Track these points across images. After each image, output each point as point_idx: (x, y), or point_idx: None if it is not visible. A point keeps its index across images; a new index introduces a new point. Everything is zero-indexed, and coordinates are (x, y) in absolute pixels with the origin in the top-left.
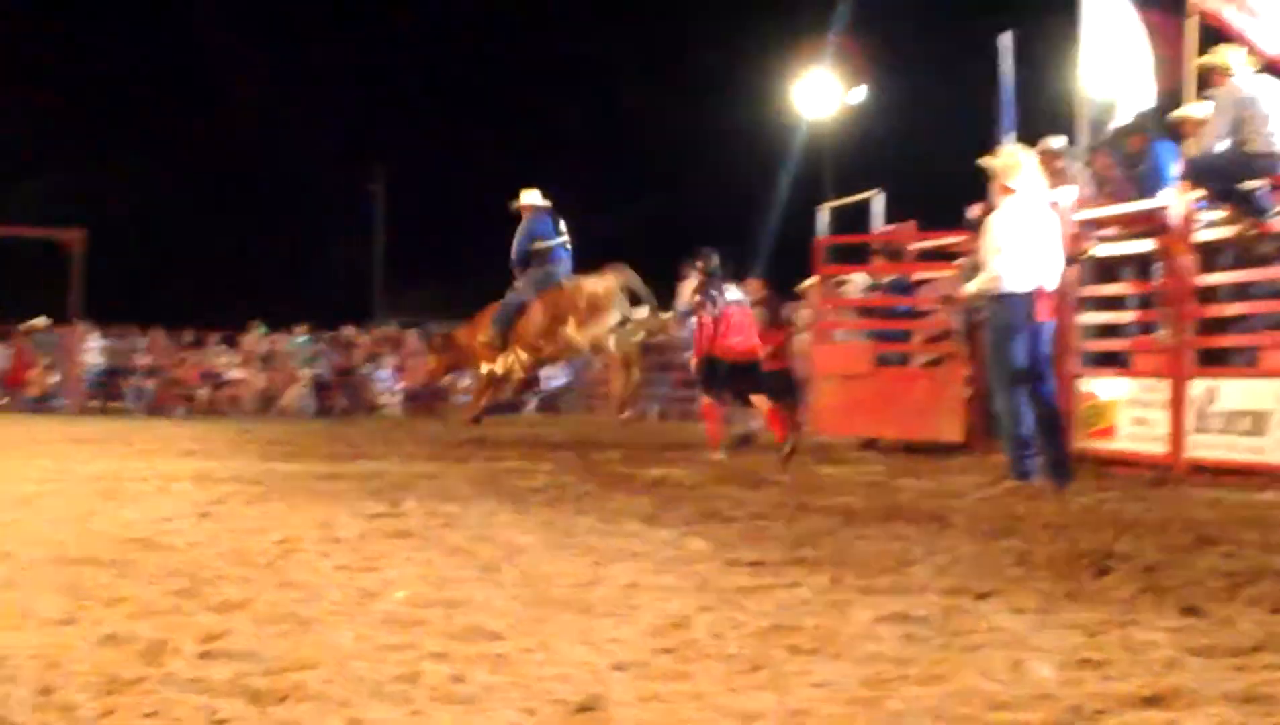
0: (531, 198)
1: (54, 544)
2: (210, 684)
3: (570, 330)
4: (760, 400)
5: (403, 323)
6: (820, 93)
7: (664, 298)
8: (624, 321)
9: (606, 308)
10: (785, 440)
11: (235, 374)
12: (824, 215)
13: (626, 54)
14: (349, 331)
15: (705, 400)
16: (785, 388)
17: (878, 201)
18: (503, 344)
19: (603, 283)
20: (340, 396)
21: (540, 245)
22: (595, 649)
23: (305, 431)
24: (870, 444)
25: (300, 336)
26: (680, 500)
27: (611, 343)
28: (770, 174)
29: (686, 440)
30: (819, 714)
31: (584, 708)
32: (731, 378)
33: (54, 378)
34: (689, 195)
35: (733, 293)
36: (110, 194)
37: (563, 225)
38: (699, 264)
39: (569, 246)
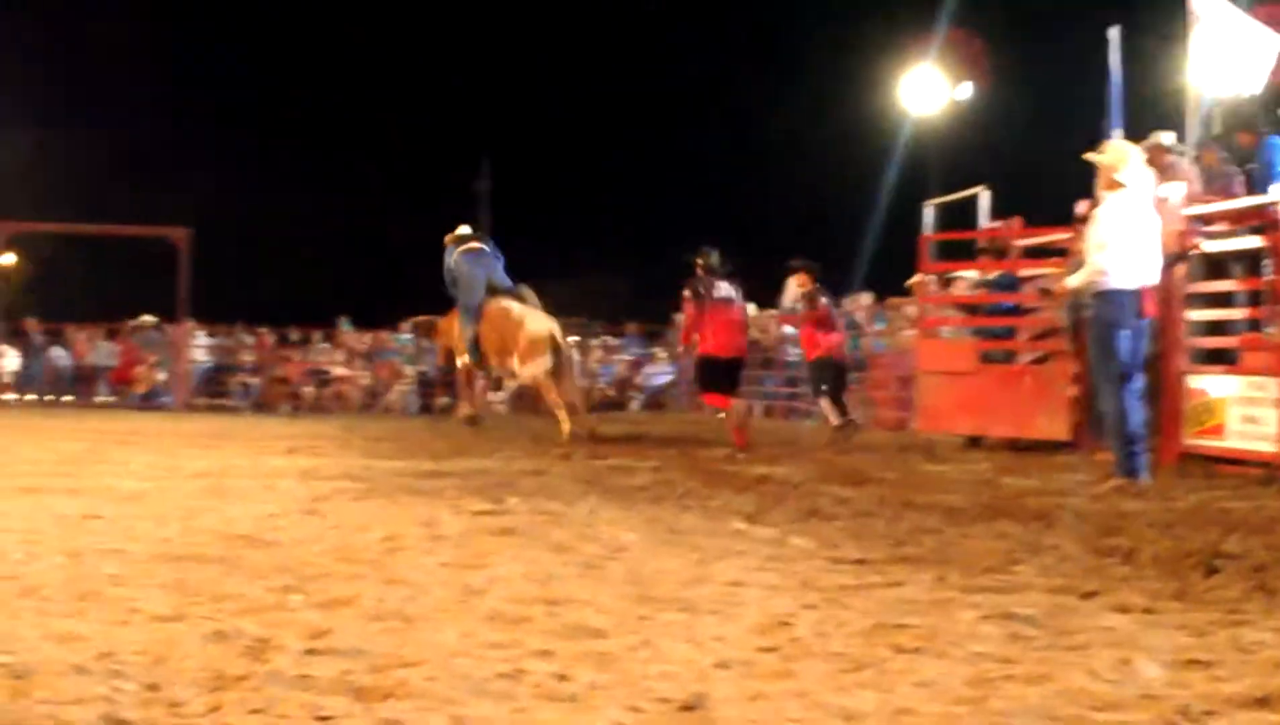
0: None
1: (161, 541)
2: (315, 681)
3: (514, 362)
4: (726, 398)
5: None
6: (927, 89)
7: (769, 293)
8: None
9: (542, 352)
10: (743, 446)
11: (340, 372)
12: (929, 212)
13: (735, 51)
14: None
15: (704, 394)
16: (836, 379)
17: (984, 198)
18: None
19: (543, 327)
20: (444, 394)
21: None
22: (699, 647)
23: (409, 429)
24: (975, 442)
25: (404, 334)
26: (784, 498)
27: (550, 382)
28: (876, 171)
29: (790, 438)
30: (923, 713)
31: (688, 706)
32: (723, 373)
33: (161, 375)
34: (794, 191)
35: (724, 290)
36: (217, 192)
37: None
38: (698, 260)
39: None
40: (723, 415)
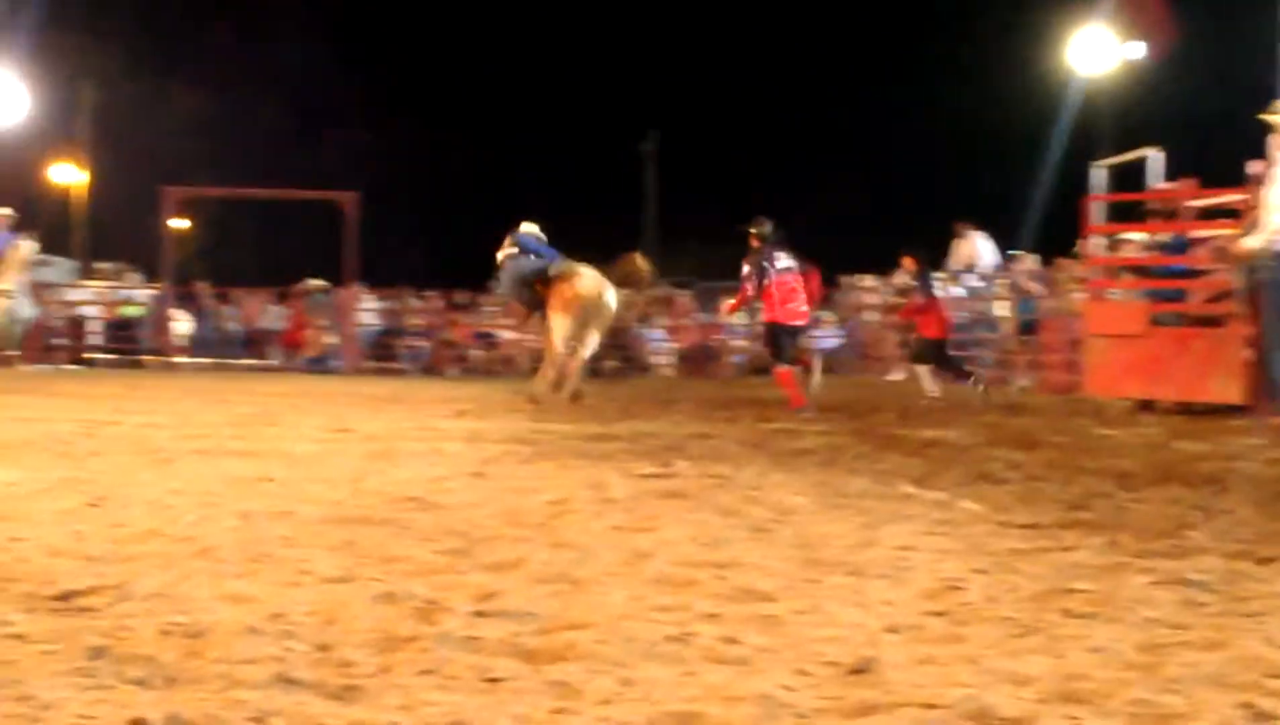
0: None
1: (330, 503)
2: (484, 643)
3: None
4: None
5: (675, 283)
6: (1097, 48)
7: (935, 257)
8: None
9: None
10: (801, 407)
11: (508, 335)
12: (1099, 173)
13: (901, 12)
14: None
15: (777, 368)
16: (940, 356)
17: (1155, 159)
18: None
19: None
20: (612, 357)
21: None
22: (868, 611)
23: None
24: (1146, 406)
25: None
26: (953, 462)
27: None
28: (1045, 132)
29: (959, 401)
30: (1094, 678)
31: (856, 670)
32: (790, 338)
33: (330, 339)
34: (961, 154)
35: (784, 259)
36: (386, 156)
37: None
38: (753, 230)
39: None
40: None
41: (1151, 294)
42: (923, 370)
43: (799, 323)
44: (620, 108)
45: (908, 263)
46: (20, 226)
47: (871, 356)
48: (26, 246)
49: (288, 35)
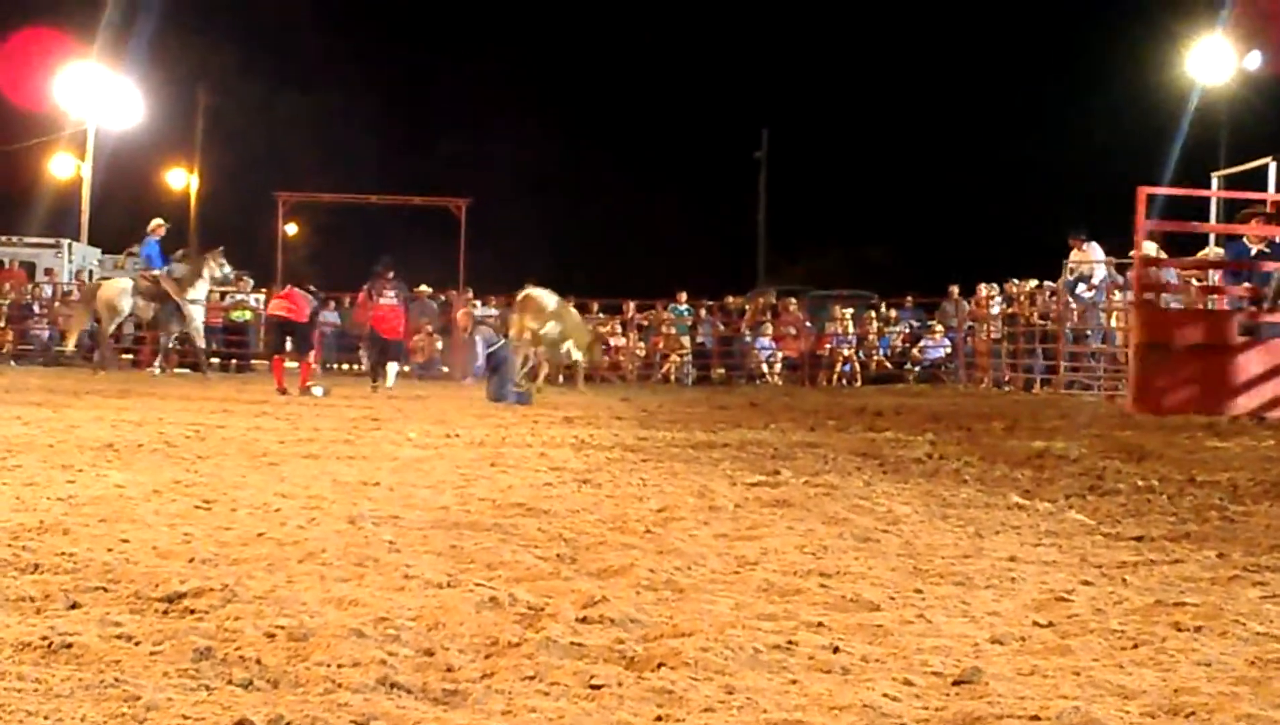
0: None
1: (437, 508)
2: (587, 649)
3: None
4: None
5: (782, 292)
6: (1215, 58)
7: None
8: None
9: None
10: None
11: (616, 342)
12: (1217, 182)
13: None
14: (731, 300)
15: None
16: None
17: (1274, 168)
18: None
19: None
20: (720, 365)
21: None
22: (974, 621)
23: (685, 400)
24: (1260, 419)
25: (680, 305)
26: (1061, 473)
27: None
28: (1163, 141)
29: (1067, 411)
30: (1202, 693)
31: (962, 680)
32: None
33: (440, 344)
34: (1079, 162)
35: None
36: (498, 164)
37: None
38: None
39: None
40: None
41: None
42: None
43: None
44: (733, 113)
45: None
46: (170, 238)
47: (979, 366)
48: (218, 264)
49: (401, 40)
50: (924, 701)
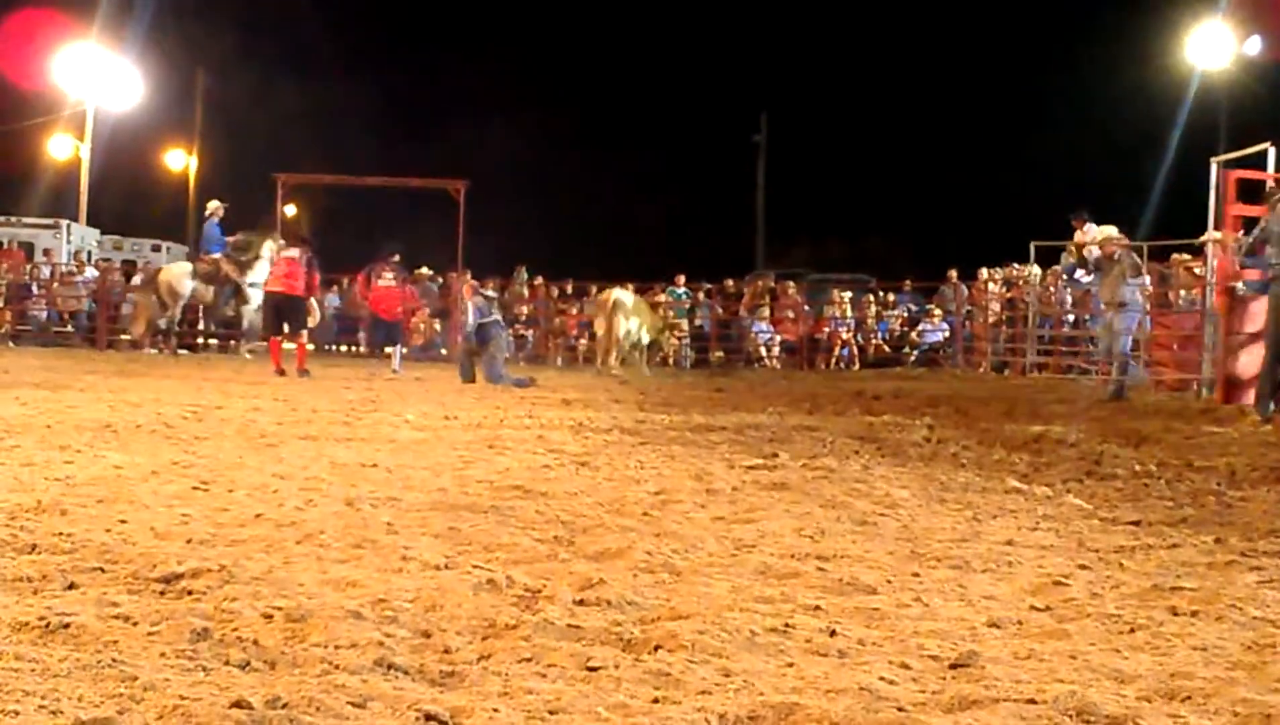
0: None
1: (434, 490)
2: (585, 631)
3: None
4: None
5: (780, 275)
6: (1215, 44)
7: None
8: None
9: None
10: None
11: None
12: (1217, 169)
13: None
14: (730, 283)
15: None
16: None
17: (1272, 154)
18: None
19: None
20: (719, 348)
21: None
22: (970, 605)
23: (682, 382)
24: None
25: (679, 288)
26: (1059, 457)
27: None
28: (1162, 126)
29: (1066, 395)
30: (1199, 677)
31: (958, 664)
32: None
33: (437, 326)
34: (1075, 150)
35: None
36: (497, 147)
37: None
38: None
39: None
40: None
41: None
42: None
43: None
44: (731, 97)
45: None
46: (228, 220)
47: (977, 350)
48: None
49: (401, 23)
50: (921, 685)
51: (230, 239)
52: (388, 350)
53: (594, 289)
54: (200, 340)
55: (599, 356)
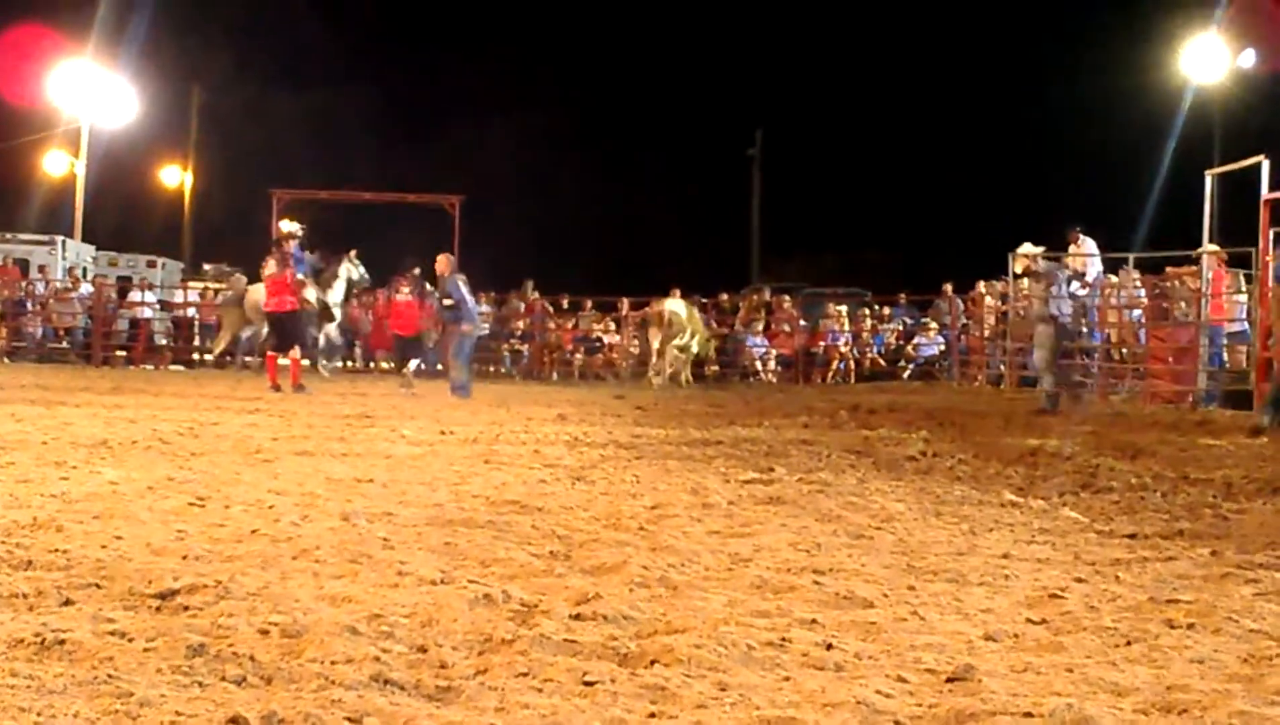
0: None
1: (430, 505)
2: (581, 646)
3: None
4: None
5: (775, 289)
6: (1209, 57)
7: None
8: None
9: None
10: None
11: (610, 339)
12: (1211, 181)
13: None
14: (725, 297)
15: None
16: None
17: (1266, 166)
18: None
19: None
20: (714, 362)
21: None
22: (967, 619)
23: (678, 397)
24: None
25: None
26: (1055, 470)
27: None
28: (1156, 139)
29: (1060, 408)
30: (1195, 690)
31: (955, 677)
32: None
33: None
34: (1072, 161)
35: None
36: (491, 160)
37: None
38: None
39: None
40: None
41: None
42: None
43: None
44: (726, 112)
45: None
46: (310, 242)
47: (973, 363)
48: (355, 265)
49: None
50: (917, 698)
51: (310, 257)
52: (409, 367)
53: (588, 303)
54: (196, 357)
55: (650, 370)
